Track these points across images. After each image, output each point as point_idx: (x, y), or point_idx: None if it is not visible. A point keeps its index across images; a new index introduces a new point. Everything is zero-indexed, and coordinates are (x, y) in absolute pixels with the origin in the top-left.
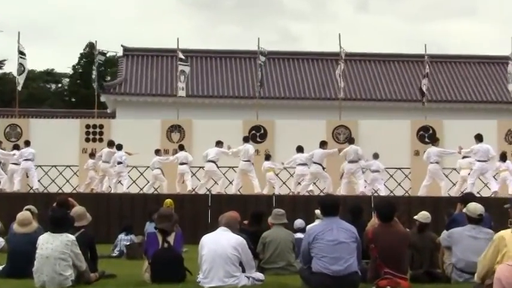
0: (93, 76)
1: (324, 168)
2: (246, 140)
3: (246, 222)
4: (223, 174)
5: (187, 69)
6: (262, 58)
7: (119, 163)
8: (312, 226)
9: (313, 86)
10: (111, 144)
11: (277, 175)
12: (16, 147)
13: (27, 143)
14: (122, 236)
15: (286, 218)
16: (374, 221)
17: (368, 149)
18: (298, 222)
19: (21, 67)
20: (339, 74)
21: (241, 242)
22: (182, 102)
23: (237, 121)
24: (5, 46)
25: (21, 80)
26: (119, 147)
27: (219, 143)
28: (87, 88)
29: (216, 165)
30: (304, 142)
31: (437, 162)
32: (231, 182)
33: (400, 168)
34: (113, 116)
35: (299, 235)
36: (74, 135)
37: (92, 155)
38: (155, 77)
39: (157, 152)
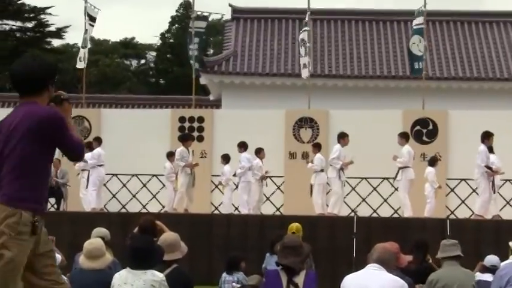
0: (190, 49)
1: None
2: (406, 136)
3: (408, 257)
4: (375, 189)
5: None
6: (420, 20)
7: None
8: (505, 264)
9: (505, 61)
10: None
11: (452, 190)
12: (89, 145)
13: (98, 141)
14: (227, 275)
15: (460, 250)
16: None
17: None
18: (494, 260)
19: (88, 36)
20: None
21: (401, 286)
22: (315, 85)
23: (395, 111)
24: (68, 7)
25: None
26: (244, 145)
27: (342, 137)
28: (181, 65)
29: (340, 171)
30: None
31: None
32: (385, 200)
33: None
34: (217, 104)
35: (486, 277)
36: (163, 131)
37: (171, 155)
38: (277, 49)
39: (258, 152)
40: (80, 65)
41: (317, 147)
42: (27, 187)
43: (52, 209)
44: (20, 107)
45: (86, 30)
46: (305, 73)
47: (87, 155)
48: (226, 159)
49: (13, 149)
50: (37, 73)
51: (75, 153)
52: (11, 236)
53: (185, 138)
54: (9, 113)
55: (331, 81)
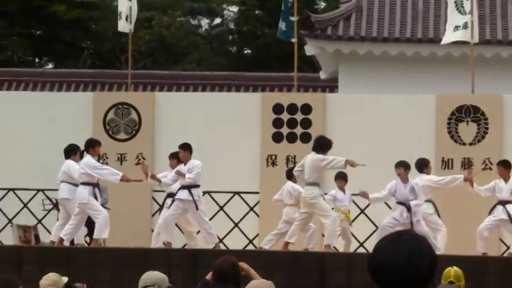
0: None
1: None
2: None
3: None
4: None
5: None
6: None
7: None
8: None
9: None
10: None
11: None
12: (177, 158)
13: (189, 149)
14: None
15: None
16: None
17: None
18: None
19: None
20: None
21: None
22: (482, 56)
23: None
24: None
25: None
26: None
27: None
28: (276, 27)
29: None
30: None
31: None
32: None
33: None
34: (331, 86)
35: None
36: (251, 125)
37: (290, 174)
38: (422, 4)
39: (423, 165)
40: (124, 27)
41: (508, 166)
42: None
43: (82, 242)
44: None
45: None
46: (465, 36)
47: (169, 175)
48: (344, 178)
49: None
50: (428, 268)
51: None
52: None
53: (327, 145)
54: None
55: (506, 50)
